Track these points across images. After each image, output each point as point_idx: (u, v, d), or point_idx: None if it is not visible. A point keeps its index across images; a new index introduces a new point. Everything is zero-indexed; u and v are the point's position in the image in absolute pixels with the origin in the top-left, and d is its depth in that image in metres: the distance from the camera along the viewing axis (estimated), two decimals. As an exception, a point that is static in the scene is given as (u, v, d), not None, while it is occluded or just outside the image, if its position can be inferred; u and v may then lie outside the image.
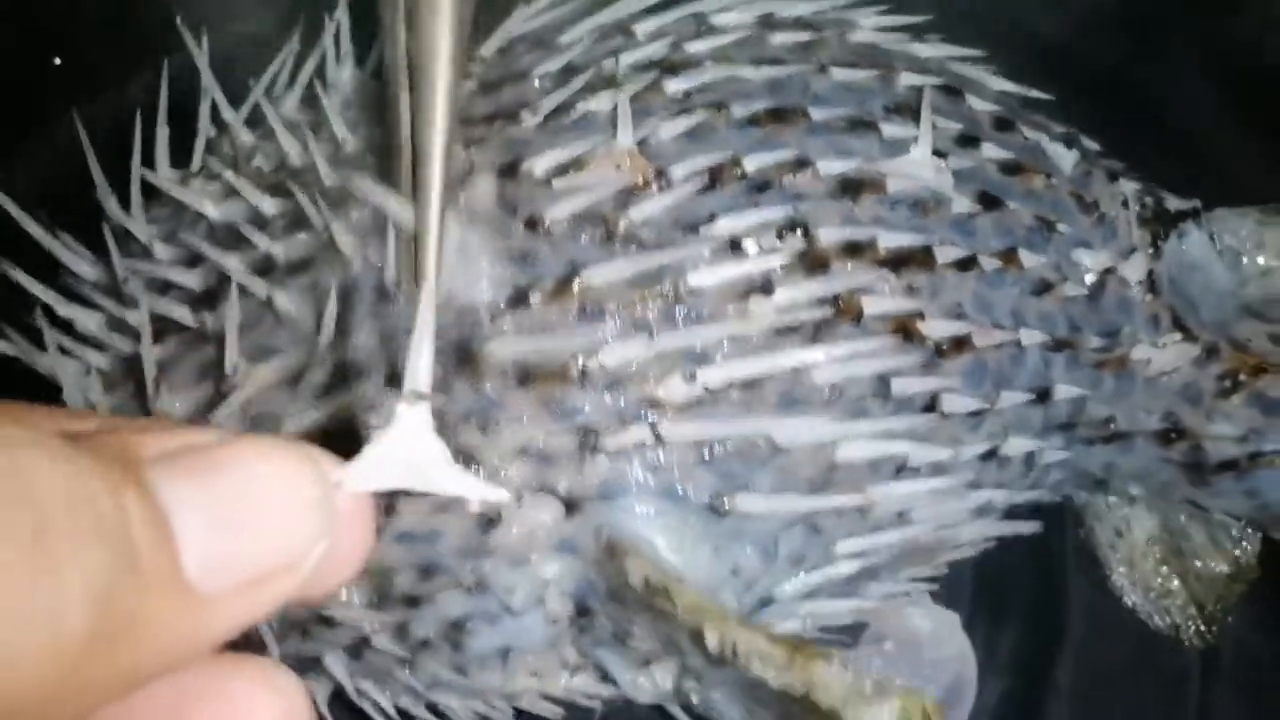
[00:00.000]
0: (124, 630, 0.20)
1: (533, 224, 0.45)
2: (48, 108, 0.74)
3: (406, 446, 0.24)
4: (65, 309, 0.53)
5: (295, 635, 0.47)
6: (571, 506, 0.43)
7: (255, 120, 0.56)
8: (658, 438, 0.43)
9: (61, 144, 0.73)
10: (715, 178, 0.46)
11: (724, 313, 0.44)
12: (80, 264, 0.55)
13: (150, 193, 0.54)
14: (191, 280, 0.49)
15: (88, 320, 0.53)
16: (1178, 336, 0.53)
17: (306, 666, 0.49)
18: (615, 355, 0.43)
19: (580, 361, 0.43)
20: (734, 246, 0.45)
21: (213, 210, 0.51)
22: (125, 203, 0.54)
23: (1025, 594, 0.63)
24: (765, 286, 0.45)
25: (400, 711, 0.51)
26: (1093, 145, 0.57)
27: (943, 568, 0.55)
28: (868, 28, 0.55)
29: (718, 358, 0.44)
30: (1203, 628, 0.60)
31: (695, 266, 0.44)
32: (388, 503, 0.43)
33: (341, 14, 0.55)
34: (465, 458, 0.43)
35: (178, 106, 0.55)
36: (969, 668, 0.62)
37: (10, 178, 0.72)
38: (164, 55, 0.59)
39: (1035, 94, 0.57)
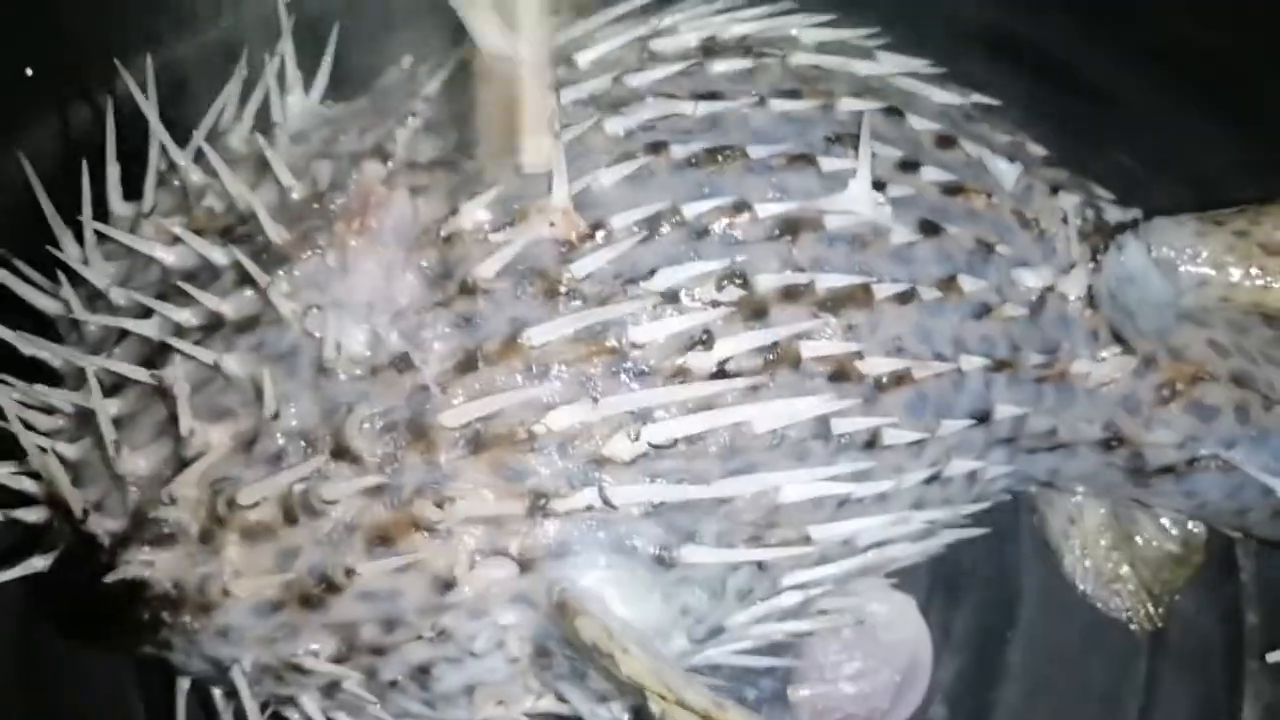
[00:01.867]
0: None
1: (470, 285, 0.45)
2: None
3: None
4: (29, 348, 0.53)
5: (270, 679, 0.48)
6: (524, 565, 0.45)
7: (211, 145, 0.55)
8: (605, 501, 0.44)
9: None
10: (654, 227, 0.46)
11: (666, 369, 0.45)
12: (39, 298, 0.55)
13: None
14: (147, 329, 0.49)
15: (52, 359, 0.53)
16: (1117, 349, 0.54)
17: (281, 702, 0.51)
18: (562, 419, 0.44)
19: (529, 425, 0.44)
20: (673, 299, 0.46)
21: (166, 256, 0.51)
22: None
23: (979, 577, 0.65)
24: (705, 340, 0.45)
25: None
26: (1038, 151, 0.58)
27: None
28: (810, 45, 0.55)
29: (661, 416, 0.45)
30: (1151, 610, 0.63)
31: (637, 321, 0.45)
32: (348, 566, 0.44)
33: (285, 43, 0.55)
34: (422, 528, 0.44)
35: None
36: (924, 649, 0.65)
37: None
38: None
39: (979, 99, 0.57)
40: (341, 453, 0.44)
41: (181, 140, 0.55)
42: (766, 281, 0.46)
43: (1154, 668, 0.64)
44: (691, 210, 0.47)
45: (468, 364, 0.45)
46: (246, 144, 0.55)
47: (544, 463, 0.44)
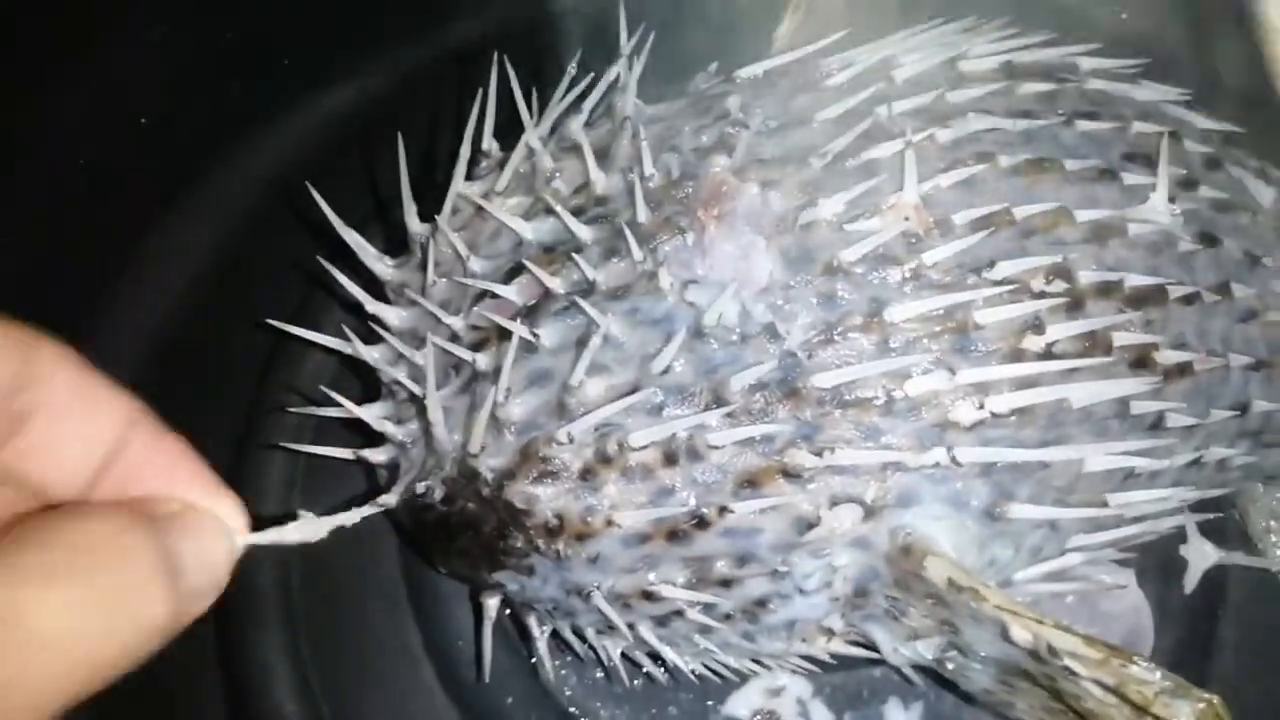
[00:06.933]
0: None
1: (834, 267, 0.52)
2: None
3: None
4: (374, 307, 0.60)
5: (618, 605, 0.55)
6: (870, 512, 0.52)
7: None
8: (954, 459, 0.50)
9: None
10: (990, 226, 0.53)
11: (1005, 348, 0.52)
12: (379, 265, 0.62)
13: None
14: (513, 294, 0.56)
15: (396, 320, 0.60)
16: (1355, 359, 0.61)
17: (604, 632, 0.58)
18: (919, 387, 0.50)
19: (889, 390, 0.51)
20: (1010, 288, 0.52)
21: (528, 231, 0.57)
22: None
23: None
24: (1037, 325, 0.52)
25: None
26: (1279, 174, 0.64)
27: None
28: (1090, 72, 0.62)
29: (1001, 388, 0.51)
30: (1346, 600, 0.69)
31: (980, 305, 0.52)
32: (721, 505, 0.51)
33: (626, 43, 0.61)
34: (790, 475, 0.51)
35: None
36: (1146, 620, 0.71)
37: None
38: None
39: (1230, 128, 0.64)
40: (718, 406, 0.51)
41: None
42: (1085, 278, 0.53)
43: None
44: (1021, 212, 0.53)
45: (830, 335, 0.51)
46: (584, 134, 0.61)
47: (899, 423, 0.51)
